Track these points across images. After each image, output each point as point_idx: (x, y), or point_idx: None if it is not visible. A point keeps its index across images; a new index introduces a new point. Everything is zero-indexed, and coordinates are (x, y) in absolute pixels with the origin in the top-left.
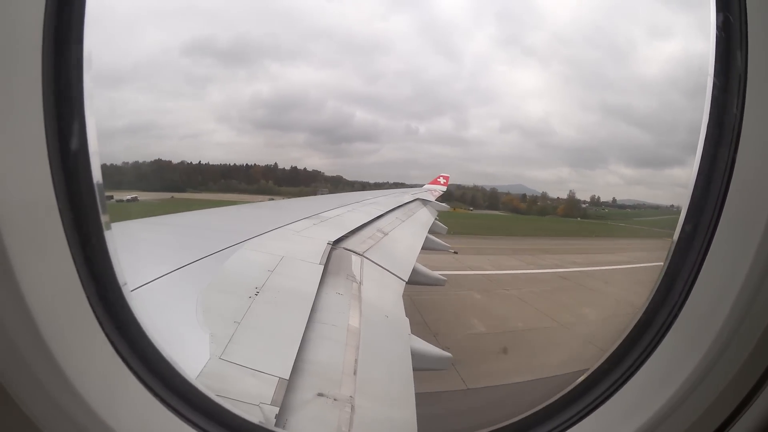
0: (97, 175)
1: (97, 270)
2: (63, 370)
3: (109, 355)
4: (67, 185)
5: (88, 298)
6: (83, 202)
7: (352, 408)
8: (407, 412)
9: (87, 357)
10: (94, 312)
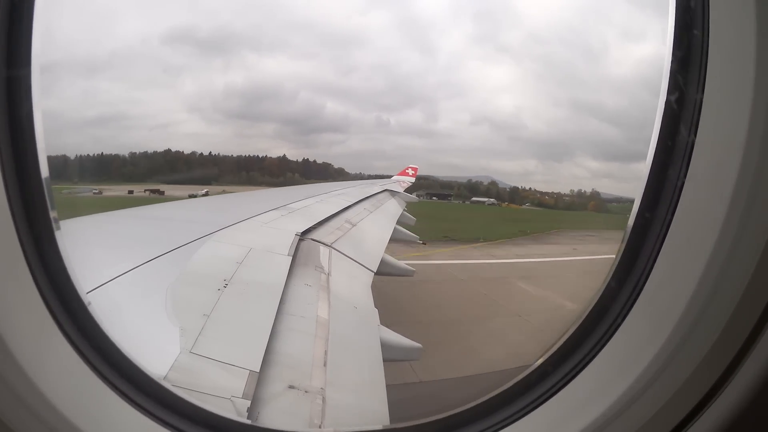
0: (45, 171)
1: (51, 270)
2: (25, 371)
3: (68, 353)
4: (18, 182)
5: (44, 297)
6: (33, 199)
7: (324, 399)
8: (378, 403)
9: (47, 356)
10: (50, 311)
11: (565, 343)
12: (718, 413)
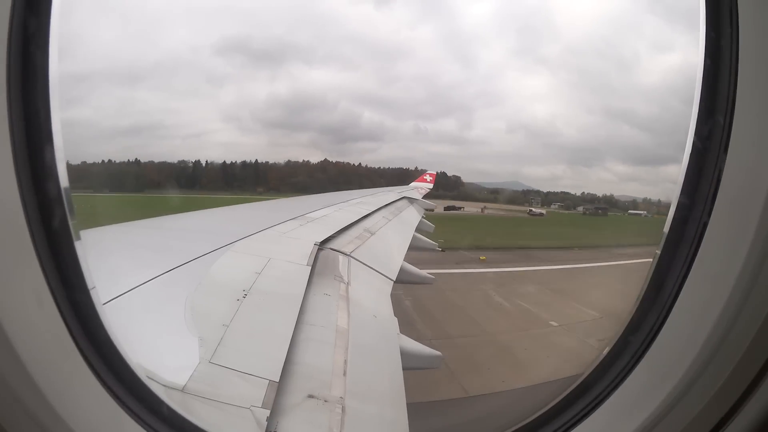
0: (64, 181)
1: (66, 277)
2: (35, 381)
3: (79, 366)
4: (35, 192)
5: (58, 305)
6: (52, 208)
7: (343, 409)
8: (398, 412)
9: (57, 366)
10: (65, 320)
11: (610, 352)
12: (754, 413)
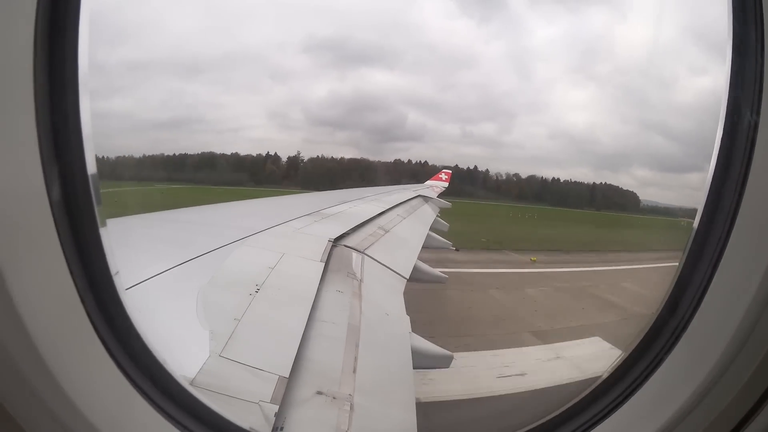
0: (91, 168)
1: (89, 266)
2: (53, 374)
3: (101, 357)
4: (60, 178)
5: (81, 295)
6: (77, 196)
7: (351, 406)
8: (407, 411)
9: (78, 358)
10: (87, 311)
11: (630, 354)
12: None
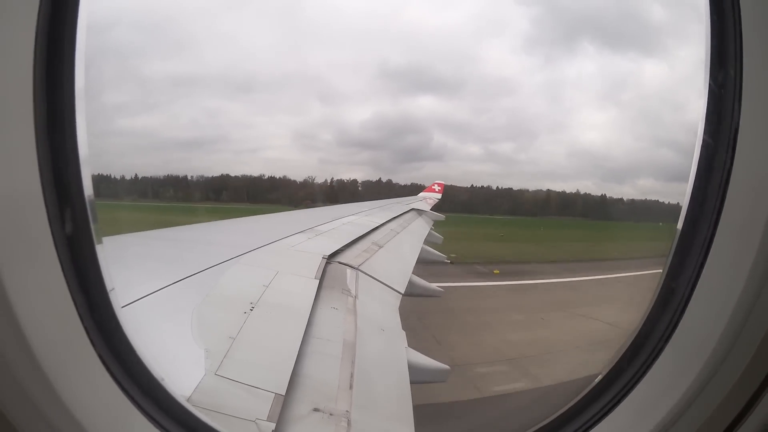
0: (88, 188)
1: (86, 282)
2: (56, 390)
3: (100, 373)
4: (57, 197)
5: (79, 313)
6: (74, 214)
7: (348, 423)
8: (405, 427)
9: (78, 375)
10: (85, 328)
11: (624, 353)
12: (759, 420)
